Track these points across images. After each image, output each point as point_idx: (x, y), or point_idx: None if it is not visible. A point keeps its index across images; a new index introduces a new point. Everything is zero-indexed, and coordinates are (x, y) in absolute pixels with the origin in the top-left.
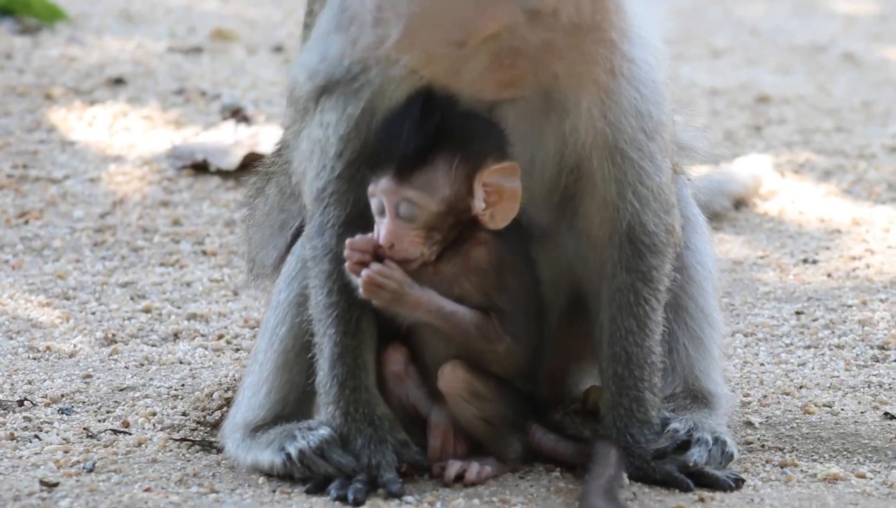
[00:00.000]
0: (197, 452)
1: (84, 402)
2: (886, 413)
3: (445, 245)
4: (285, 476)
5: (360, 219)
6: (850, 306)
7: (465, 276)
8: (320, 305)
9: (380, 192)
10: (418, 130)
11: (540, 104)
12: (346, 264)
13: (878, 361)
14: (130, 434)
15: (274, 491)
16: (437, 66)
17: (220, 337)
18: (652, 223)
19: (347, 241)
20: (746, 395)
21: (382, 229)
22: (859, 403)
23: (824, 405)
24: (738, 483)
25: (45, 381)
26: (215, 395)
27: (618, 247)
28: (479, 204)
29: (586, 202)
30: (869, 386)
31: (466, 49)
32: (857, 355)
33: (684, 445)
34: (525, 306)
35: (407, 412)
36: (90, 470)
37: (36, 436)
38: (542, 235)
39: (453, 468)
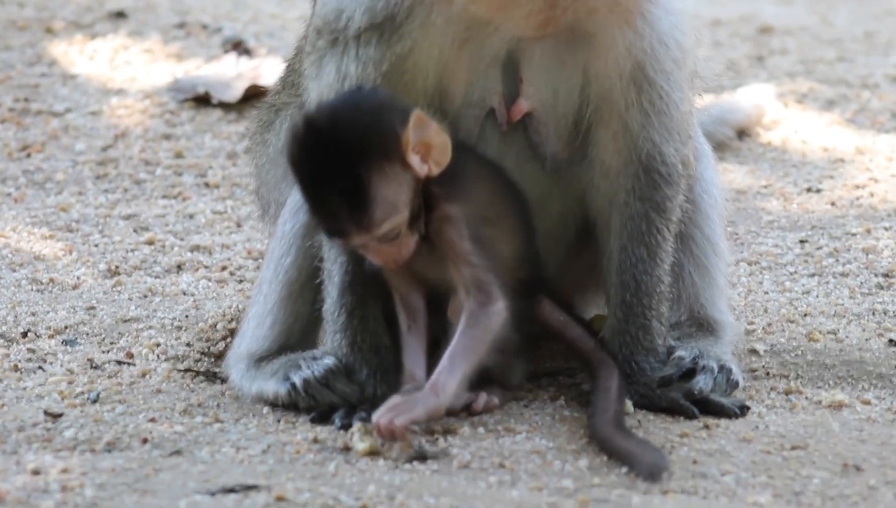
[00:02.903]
0: (201, 382)
1: (88, 333)
2: (891, 341)
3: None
4: (290, 405)
5: None
6: (854, 235)
7: (446, 256)
8: None
9: (358, 247)
10: (343, 183)
11: (565, 38)
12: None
13: (882, 288)
14: (134, 365)
15: (278, 421)
16: (489, 3)
17: (224, 269)
18: (671, 155)
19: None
20: (751, 323)
21: (375, 259)
22: (864, 330)
23: (829, 333)
24: (744, 410)
25: (48, 313)
26: (219, 326)
27: (633, 176)
28: (421, 169)
29: (602, 131)
30: (873, 314)
31: None
32: (862, 282)
33: (690, 373)
34: (509, 226)
35: None
36: (94, 401)
37: (40, 367)
38: (558, 168)
39: (460, 399)
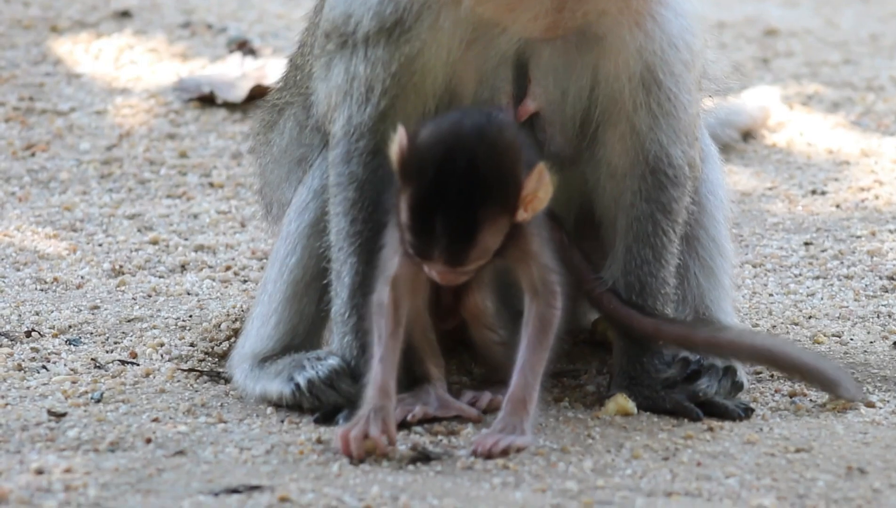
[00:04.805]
0: (205, 382)
1: (92, 333)
2: (895, 343)
3: None
4: (294, 406)
5: (386, 147)
6: (858, 237)
7: (514, 258)
8: (342, 232)
9: (436, 273)
10: (458, 221)
11: (574, 39)
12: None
13: (887, 291)
14: (138, 365)
15: (282, 421)
16: (496, 5)
17: (228, 268)
18: (678, 156)
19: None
20: (755, 325)
21: (436, 276)
22: (868, 333)
23: (833, 335)
24: (748, 412)
25: (52, 312)
26: (223, 326)
27: (639, 178)
28: (522, 216)
29: (609, 132)
30: (878, 316)
31: None
32: (866, 285)
33: (694, 375)
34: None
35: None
36: (98, 401)
37: (44, 367)
38: (562, 166)
39: (466, 397)
